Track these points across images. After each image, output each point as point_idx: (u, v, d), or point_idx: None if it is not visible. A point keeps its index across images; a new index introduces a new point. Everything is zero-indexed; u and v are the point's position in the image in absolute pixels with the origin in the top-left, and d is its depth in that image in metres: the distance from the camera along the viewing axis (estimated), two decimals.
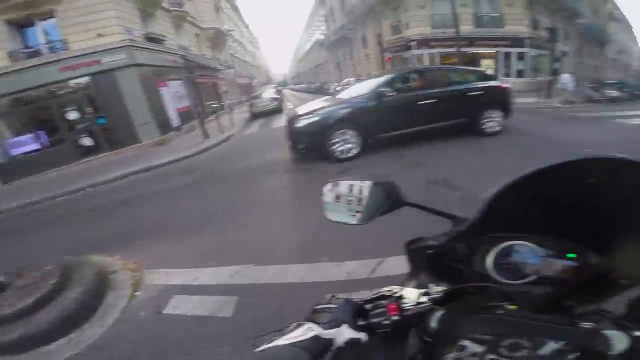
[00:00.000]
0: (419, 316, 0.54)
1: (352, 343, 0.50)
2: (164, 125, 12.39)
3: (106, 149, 11.18)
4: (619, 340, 0.48)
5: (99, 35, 10.32)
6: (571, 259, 0.58)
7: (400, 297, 0.56)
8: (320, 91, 29.84)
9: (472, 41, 17.51)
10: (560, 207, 0.57)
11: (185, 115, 14.45)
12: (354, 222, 0.74)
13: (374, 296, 0.58)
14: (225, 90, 23.93)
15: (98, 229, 4.57)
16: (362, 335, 0.51)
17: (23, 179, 9.76)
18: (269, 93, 16.50)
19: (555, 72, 14.92)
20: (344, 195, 0.75)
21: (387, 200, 0.70)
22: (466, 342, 0.48)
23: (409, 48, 19.66)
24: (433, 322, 0.53)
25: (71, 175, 8.92)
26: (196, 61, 16.47)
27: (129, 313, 2.46)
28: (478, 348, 0.48)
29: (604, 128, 8.06)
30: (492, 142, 6.36)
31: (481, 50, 18.17)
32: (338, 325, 0.50)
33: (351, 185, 0.74)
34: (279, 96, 16.95)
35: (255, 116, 15.45)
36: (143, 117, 11.26)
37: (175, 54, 14.62)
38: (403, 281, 0.67)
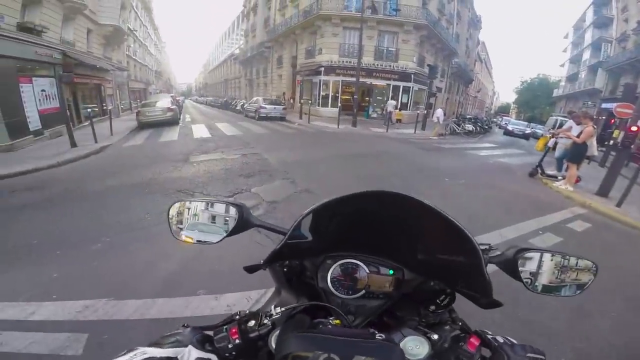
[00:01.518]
0: (263, 337, 0.56)
1: None
2: (18, 128, 10.03)
3: None
4: (421, 345, 0.55)
5: None
6: (391, 275, 0.69)
7: (246, 321, 0.57)
8: (226, 106, 28.87)
9: (370, 72, 19.51)
10: (378, 230, 0.66)
11: (52, 119, 12.01)
12: (208, 242, 0.73)
13: (221, 322, 0.59)
14: (111, 94, 21.10)
15: None
16: (211, 357, 0.53)
17: None
18: (164, 102, 14.94)
19: (430, 107, 17.74)
20: (196, 214, 0.74)
21: (241, 221, 0.71)
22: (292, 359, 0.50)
23: (318, 73, 20.78)
24: (272, 343, 0.55)
25: None
26: (78, 59, 14.16)
27: None
28: None
29: (459, 157, 9.99)
30: (372, 161, 7.35)
31: (376, 82, 20.37)
32: (181, 346, 0.51)
33: (203, 205, 0.74)
34: (174, 106, 15.48)
35: (143, 126, 13.84)
36: None
37: (54, 48, 12.40)
38: (267, 301, 0.71)
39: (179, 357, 0.50)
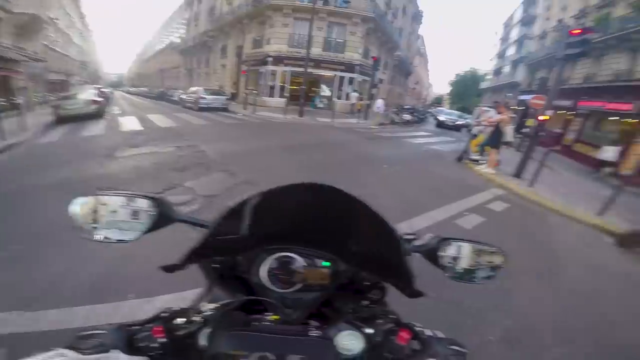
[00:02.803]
0: (193, 335, 0.53)
1: None
2: None
3: None
4: (356, 339, 0.55)
5: None
6: (326, 266, 0.67)
7: (174, 318, 0.54)
8: (162, 97, 26.95)
9: (318, 63, 19.50)
10: (312, 222, 0.64)
11: None
12: (122, 240, 0.67)
13: (146, 319, 0.56)
14: (24, 86, 18.39)
15: None
16: (143, 359, 0.50)
17: None
18: (87, 94, 13.30)
19: (372, 97, 18.33)
20: (108, 208, 0.68)
21: (159, 216, 0.67)
22: (225, 359, 0.48)
23: (265, 63, 20.27)
24: (203, 341, 0.52)
25: None
26: None
27: None
28: None
29: (397, 145, 10.46)
30: (316, 150, 7.45)
31: (323, 73, 20.45)
32: (106, 351, 0.47)
33: (116, 198, 0.68)
34: (101, 99, 13.93)
35: (62, 120, 12.21)
36: None
37: None
38: (200, 297, 0.66)
39: None
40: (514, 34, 36.19)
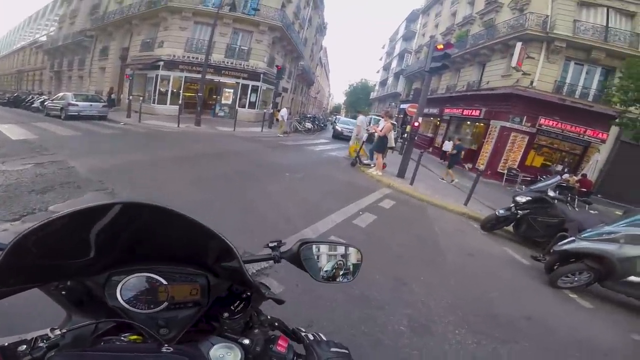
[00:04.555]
0: None
1: None
2: None
3: None
4: (233, 351, 0.54)
5: None
6: (194, 282, 0.65)
7: (16, 347, 0.51)
8: (16, 103, 21.56)
9: (218, 70, 18.63)
10: (168, 239, 0.61)
11: None
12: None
13: None
14: None
15: None
16: None
17: None
18: None
19: (276, 106, 18.52)
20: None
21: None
22: None
23: (155, 68, 18.36)
24: None
25: None
26: None
27: None
28: None
29: (300, 153, 10.76)
30: (215, 161, 7.10)
31: (225, 80, 19.64)
32: None
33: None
34: None
35: None
36: None
37: None
38: (60, 325, 0.63)
39: None
40: (397, 48, 41.61)
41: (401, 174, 8.14)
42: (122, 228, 0.57)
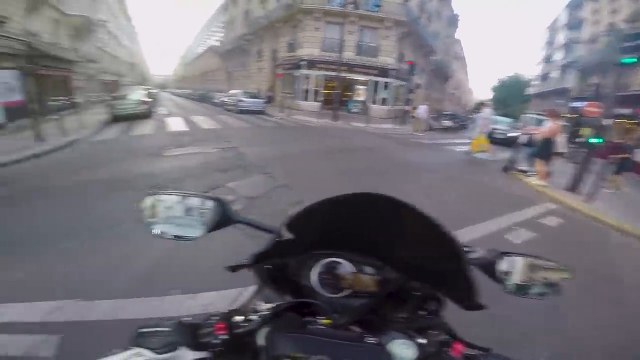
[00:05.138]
0: (250, 333, 0.54)
1: None
2: None
3: None
4: (408, 348, 0.54)
5: None
6: (375, 274, 0.69)
7: (232, 316, 0.56)
8: (204, 99, 28.03)
9: (351, 67, 19.34)
10: (363, 229, 0.65)
11: (17, 112, 11.41)
12: (186, 238, 0.72)
13: (207, 316, 0.57)
14: (82, 86, 19.99)
15: None
16: (205, 354, 0.52)
17: None
18: (137, 94, 14.27)
19: (408, 102, 17.92)
20: (174, 207, 0.72)
21: (216, 216, 0.70)
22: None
23: (299, 67, 20.50)
24: (260, 340, 0.54)
25: None
26: (43, 50, 13.31)
27: None
28: None
29: (438, 152, 10.13)
30: (351, 156, 7.44)
31: (357, 77, 20.35)
32: (174, 349, 0.49)
33: (181, 198, 0.72)
34: (150, 99, 14.93)
35: (116, 119, 13.20)
36: None
37: (14, 39, 11.69)
38: (251, 298, 0.69)
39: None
40: (560, 38, 34.11)
41: (573, 186, 6.60)
42: (355, 216, 0.63)
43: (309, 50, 20.10)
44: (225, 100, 19.63)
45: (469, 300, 0.62)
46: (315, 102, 20.00)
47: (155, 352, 0.49)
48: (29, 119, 11.11)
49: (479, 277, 0.67)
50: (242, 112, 16.42)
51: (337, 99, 15.24)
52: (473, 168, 8.35)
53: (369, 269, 0.70)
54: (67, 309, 2.29)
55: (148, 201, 0.74)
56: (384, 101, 20.62)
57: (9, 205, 4.41)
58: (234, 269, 0.67)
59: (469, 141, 10.15)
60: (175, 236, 0.73)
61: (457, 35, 44.69)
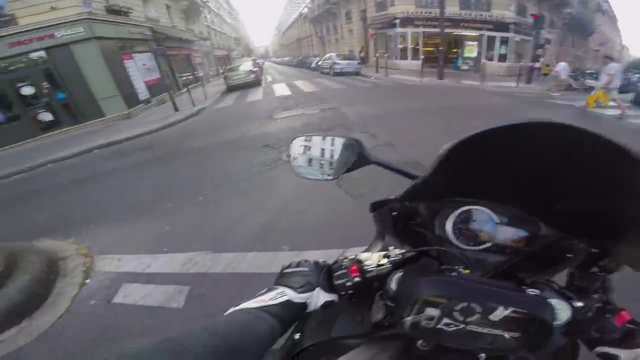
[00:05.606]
0: (380, 278, 0.54)
1: (325, 305, 0.54)
2: (131, 99, 11.71)
3: (68, 124, 10.42)
4: (562, 310, 0.49)
5: (52, 8, 9.39)
6: (522, 227, 0.58)
7: (362, 260, 0.56)
8: (302, 65, 29.17)
9: (456, 23, 17.05)
10: (511, 174, 0.54)
11: (156, 88, 13.74)
12: (326, 178, 0.73)
13: (338, 259, 0.58)
14: (200, 62, 22.64)
15: (51, 211, 4.20)
16: (335, 297, 0.55)
17: None
18: (246, 65, 15.56)
19: (536, 59, 14.78)
20: (315, 149, 0.74)
21: (353, 157, 0.70)
22: (422, 305, 0.46)
23: (393, 26, 19.07)
24: (392, 284, 0.53)
25: (29, 151, 8.25)
26: (166, 33, 15.40)
27: (79, 302, 2.33)
28: (434, 312, 0.45)
29: (580, 117, 7.90)
30: (464, 115, 6.83)
31: (465, 33, 17.79)
32: (312, 289, 0.53)
33: (322, 140, 0.74)
34: (256, 69, 16.07)
35: (230, 89, 14.70)
36: (106, 90, 10.56)
37: (143, 26, 13.74)
38: (369, 244, 0.70)
39: (307, 301, 0.53)
40: None
41: None
42: (509, 154, 0.51)
43: (403, 7, 18.53)
44: (321, 64, 19.76)
45: None
46: (415, 61, 18.43)
47: (296, 290, 0.52)
48: (165, 93, 13.32)
49: None
50: (337, 74, 16.30)
51: (441, 56, 13.56)
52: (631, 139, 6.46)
53: (516, 222, 0.59)
54: (198, 260, 2.56)
55: (294, 143, 0.76)
56: (501, 57, 17.73)
57: (155, 166, 5.39)
58: (376, 205, 0.66)
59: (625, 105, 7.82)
60: (315, 177, 0.74)
61: None
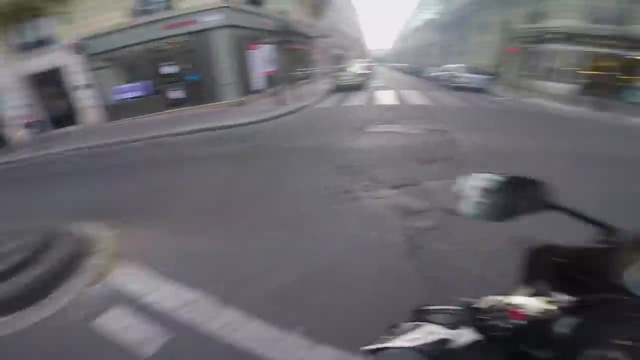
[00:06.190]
0: (541, 323, 0.54)
1: (472, 345, 0.53)
2: (246, 87, 12.45)
3: (190, 103, 11.77)
4: None
5: None
6: None
7: (517, 304, 0.55)
8: (416, 73, 27.18)
9: (634, 43, 12.80)
10: None
11: (271, 80, 14.32)
12: (491, 220, 0.66)
13: (482, 298, 0.58)
14: (317, 59, 23.15)
15: (118, 190, 4.55)
16: (482, 338, 0.55)
17: (122, 120, 11.23)
18: (356, 67, 15.21)
19: None
20: (482, 189, 0.68)
21: (530, 200, 0.66)
22: (603, 349, 0.47)
23: (543, 41, 15.71)
24: (562, 329, 0.52)
25: (151, 123, 9.70)
26: (292, 27, 15.95)
27: (67, 311, 2.21)
28: (616, 354, 0.46)
29: None
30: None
31: None
32: (458, 327, 0.54)
33: (491, 180, 0.67)
34: (366, 72, 15.51)
35: (337, 89, 14.37)
36: (228, 77, 11.45)
37: (275, 17, 14.46)
38: (509, 289, 0.66)
39: (454, 337, 0.54)
40: None
41: None
42: None
43: (563, 20, 14.93)
44: (440, 74, 17.75)
45: None
46: (566, 85, 14.80)
47: (444, 327, 0.53)
48: (278, 86, 13.81)
49: None
50: (458, 88, 14.25)
51: (610, 83, 10.18)
52: None
53: None
54: (201, 305, 2.13)
55: (464, 182, 0.71)
56: None
57: (236, 163, 5.26)
58: (535, 253, 0.66)
59: None
60: (484, 217, 0.66)
61: None
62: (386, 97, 12.09)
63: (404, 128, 6.87)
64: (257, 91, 13.21)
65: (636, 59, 13.24)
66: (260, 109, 10.00)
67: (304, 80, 16.35)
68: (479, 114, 9.15)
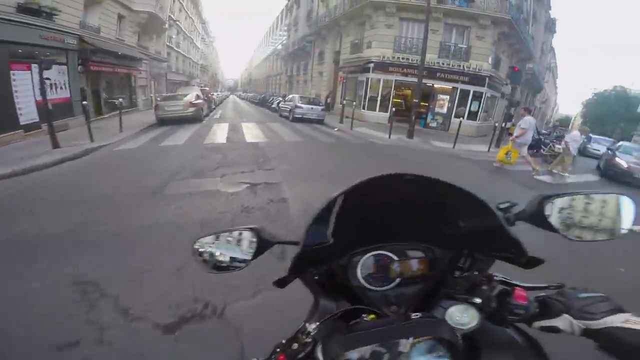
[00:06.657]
0: (310, 356, 0.54)
1: None
2: (5, 122, 8.58)
3: None
4: (468, 311, 0.54)
5: None
6: (420, 257, 0.69)
7: (289, 346, 0.55)
8: (263, 103, 27.23)
9: (432, 73, 15.70)
10: (399, 215, 0.64)
11: (60, 110, 10.50)
12: (240, 267, 0.69)
13: (270, 354, 0.58)
14: (144, 85, 19.66)
15: None
16: None
17: None
18: (188, 96, 12.74)
19: (509, 119, 13.74)
20: (215, 246, 0.70)
21: (259, 242, 0.68)
22: None
23: (366, 70, 17.48)
24: (319, 356, 0.53)
25: None
26: (99, 45, 12.64)
27: None
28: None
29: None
30: None
31: (440, 84, 16.62)
32: None
33: (223, 236, 0.71)
34: (200, 101, 13.29)
35: (162, 122, 11.84)
36: None
37: (67, 32, 11.10)
38: (308, 315, 0.67)
39: None
40: None
41: None
42: (376, 203, 0.62)
43: (380, 50, 16.74)
44: (282, 105, 17.55)
45: (522, 256, 0.58)
46: (383, 113, 16.89)
47: None
48: (71, 118, 10.23)
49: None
50: (297, 120, 14.13)
51: (415, 110, 11.85)
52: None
53: (414, 254, 0.69)
54: None
55: (196, 244, 0.69)
56: (470, 115, 16.24)
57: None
58: (280, 283, 0.65)
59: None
60: (225, 269, 0.69)
61: (553, 43, 37.44)
62: (217, 133, 10.49)
63: (222, 182, 5.24)
64: (27, 126, 9.36)
65: (430, 86, 16.42)
66: (17, 154, 6.61)
67: (126, 109, 12.98)
68: (314, 150, 8.70)
